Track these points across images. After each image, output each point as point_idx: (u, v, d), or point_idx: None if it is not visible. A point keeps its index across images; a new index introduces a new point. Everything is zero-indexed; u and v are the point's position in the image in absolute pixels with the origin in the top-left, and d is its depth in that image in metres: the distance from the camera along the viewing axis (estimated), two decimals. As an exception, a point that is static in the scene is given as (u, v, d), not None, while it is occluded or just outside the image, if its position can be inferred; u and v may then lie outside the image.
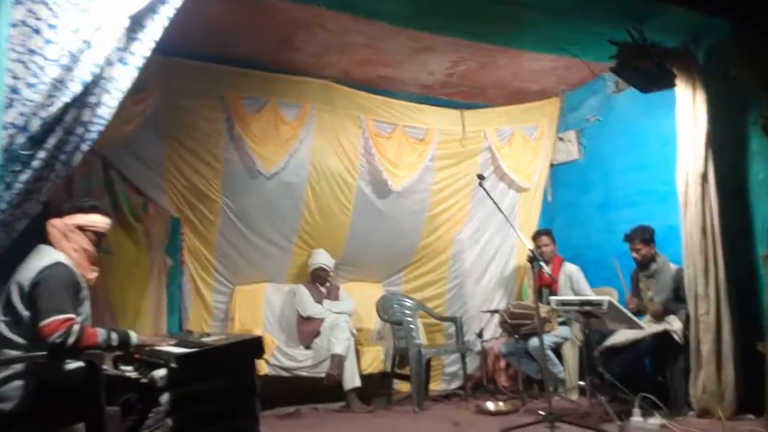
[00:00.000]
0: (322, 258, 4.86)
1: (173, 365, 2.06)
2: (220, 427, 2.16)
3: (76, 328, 2.16)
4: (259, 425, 2.31)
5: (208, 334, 2.58)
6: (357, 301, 4.99)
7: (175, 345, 2.33)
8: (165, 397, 2.05)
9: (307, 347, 4.58)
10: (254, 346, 2.25)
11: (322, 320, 4.64)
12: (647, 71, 3.69)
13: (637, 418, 3.52)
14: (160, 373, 2.08)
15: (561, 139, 5.65)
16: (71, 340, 2.12)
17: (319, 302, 4.77)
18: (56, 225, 2.39)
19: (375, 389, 4.83)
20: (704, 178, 3.83)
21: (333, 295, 4.89)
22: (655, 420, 3.47)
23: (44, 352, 2.10)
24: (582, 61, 4.54)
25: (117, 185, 4.03)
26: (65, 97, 2.20)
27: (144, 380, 2.22)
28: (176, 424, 2.06)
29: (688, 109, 3.93)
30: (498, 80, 5.21)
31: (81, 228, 2.43)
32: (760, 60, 3.48)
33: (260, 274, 4.90)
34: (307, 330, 4.64)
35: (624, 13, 3.65)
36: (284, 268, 5.01)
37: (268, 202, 4.68)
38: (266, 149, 4.54)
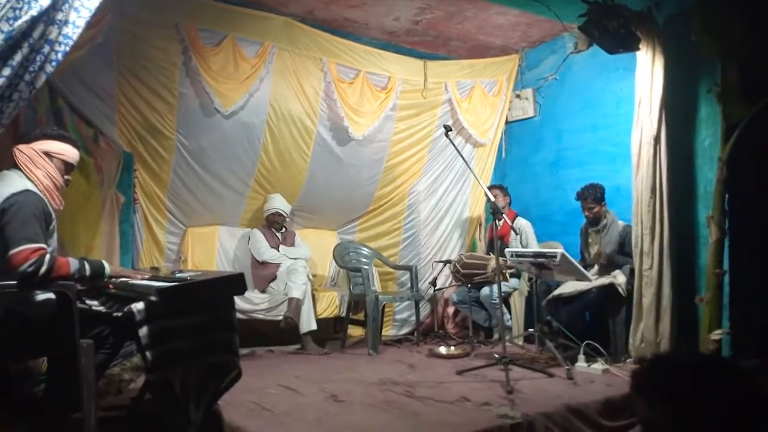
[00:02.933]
0: (279, 203, 4.80)
1: (153, 298, 2.00)
2: (200, 362, 2.14)
3: (48, 257, 2.05)
4: (239, 360, 2.30)
5: (181, 271, 2.51)
6: (312, 248, 4.99)
7: (149, 279, 2.26)
8: (144, 331, 2.00)
9: (263, 291, 4.55)
10: (236, 283, 2.21)
11: (278, 265, 4.61)
12: (614, 32, 3.76)
13: (581, 364, 3.76)
14: (139, 306, 2.01)
15: (518, 96, 5.73)
16: (43, 270, 2.02)
17: (275, 248, 4.73)
18: (24, 151, 2.24)
19: (328, 333, 4.91)
20: (657, 140, 4.00)
21: (289, 240, 4.85)
22: (598, 366, 3.72)
23: (13, 282, 1.98)
24: (547, 18, 4.58)
25: (66, 115, 3.77)
26: (33, 11, 2.02)
27: (117, 314, 2.14)
28: (155, 359, 2.02)
29: (647, 72, 4.06)
30: (462, 32, 5.19)
31: (48, 155, 2.29)
32: (721, 29, 3.61)
33: (214, 217, 4.79)
34: (262, 274, 4.61)
35: (594, -29, 3.70)
36: (239, 211, 4.91)
37: (225, 142, 4.52)
38: (225, 86, 4.35)
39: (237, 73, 4.39)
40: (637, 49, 3.93)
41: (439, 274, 5.12)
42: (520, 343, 4.55)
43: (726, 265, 3.72)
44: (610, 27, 3.74)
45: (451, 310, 5.35)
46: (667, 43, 4.05)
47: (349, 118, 4.88)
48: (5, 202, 2.07)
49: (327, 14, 4.78)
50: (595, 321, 4.40)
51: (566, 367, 3.56)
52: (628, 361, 3.96)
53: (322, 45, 4.76)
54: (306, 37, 4.68)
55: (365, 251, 5.09)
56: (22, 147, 2.26)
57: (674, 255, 3.93)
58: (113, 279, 2.27)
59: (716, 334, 3.60)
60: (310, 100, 4.75)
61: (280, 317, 4.32)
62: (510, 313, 4.76)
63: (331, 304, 4.73)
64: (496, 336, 4.77)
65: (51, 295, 2.11)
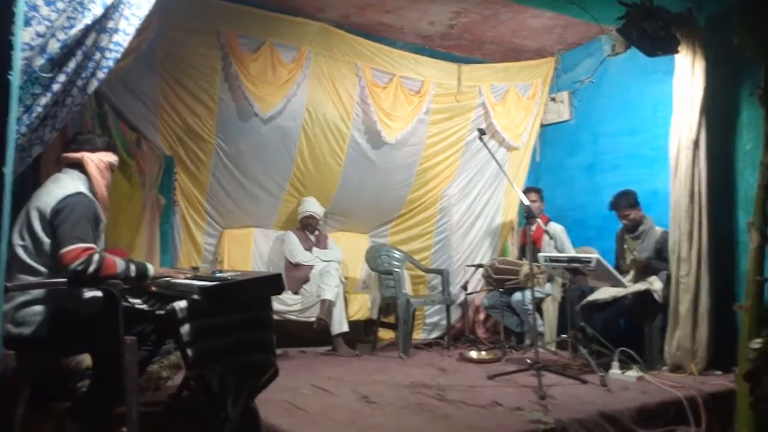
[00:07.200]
0: (312, 206, 4.87)
1: (195, 297, 2.07)
2: (238, 360, 2.20)
3: (96, 257, 2.14)
4: (276, 359, 2.36)
5: (221, 271, 2.58)
6: (344, 251, 5.04)
7: (191, 279, 2.34)
8: (185, 329, 2.07)
9: (296, 293, 4.62)
10: (274, 283, 2.27)
11: (311, 267, 4.68)
12: (653, 35, 3.71)
13: (615, 371, 3.71)
14: (182, 304, 2.08)
15: (553, 99, 5.69)
16: (92, 268, 2.11)
17: (308, 250, 4.80)
18: (95, 161, 2.36)
19: (359, 336, 4.96)
20: (696, 144, 3.93)
21: (322, 243, 4.92)
22: (633, 373, 3.66)
23: (64, 279, 2.08)
24: (584, 21, 4.55)
25: (110, 120, 3.91)
26: (87, 19, 2.12)
27: (160, 312, 2.22)
28: (195, 356, 2.08)
29: (687, 75, 3.99)
30: (497, 35, 5.18)
31: (111, 167, 2.43)
32: (765, 29, 3.52)
33: (250, 219, 4.89)
34: (295, 276, 4.68)
35: (632, -27, 3.66)
36: (273, 214, 5.00)
37: (262, 146, 4.62)
38: (264, 91, 4.45)
39: (275, 77, 4.48)
40: (677, 51, 3.88)
41: (470, 279, 5.12)
42: (553, 349, 4.51)
43: (767, 273, 3.62)
44: (649, 29, 3.69)
45: (482, 314, 5.34)
46: (707, 45, 3.98)
47: (382, 122, 4.92)
48: (59, 204, 2.17)
49: (362, 19, 4.84)
50: (629, 328, 4.34)
51: (600, 374, 3.52)
52: (663, 368, 3.89)
53: (357, 50, 4.82)
54: (341, 42, 4.75)
55: (397, 254, 5.12)
56: (91, 156, 2.36)
57: (713, 261, 3.86)
58: (156, 280, 2.36)
59: (755, 343, 3.50)
60: (344, 104, 4.81)
61: (313, 318, 4.39)
62: (542, 319, 4.72)
63: (362, 306, 4.77)
64: (527, 341, 4.75)
65: (98, 293, 2.20)
